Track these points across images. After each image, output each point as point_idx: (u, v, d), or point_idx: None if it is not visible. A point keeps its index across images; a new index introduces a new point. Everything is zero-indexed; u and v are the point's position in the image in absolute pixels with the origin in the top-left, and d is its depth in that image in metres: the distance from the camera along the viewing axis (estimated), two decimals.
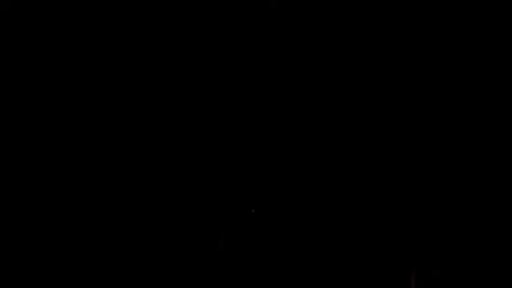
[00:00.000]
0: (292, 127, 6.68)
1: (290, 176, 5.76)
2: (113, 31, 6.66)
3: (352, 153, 6.26)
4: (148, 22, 6.70)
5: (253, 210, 4.83)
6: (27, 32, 6.45)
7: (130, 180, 5.65)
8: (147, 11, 6.68)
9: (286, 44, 6.75)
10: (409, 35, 6.38)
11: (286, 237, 5.72)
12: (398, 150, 6.22)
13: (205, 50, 6.71)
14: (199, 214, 5.35)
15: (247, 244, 5.24)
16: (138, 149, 5.67)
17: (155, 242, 5.28)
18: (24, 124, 6.37)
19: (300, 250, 4.66)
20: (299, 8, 6.64)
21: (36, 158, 6.03)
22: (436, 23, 6.30)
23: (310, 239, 4.76)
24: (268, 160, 5.85)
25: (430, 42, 6.34)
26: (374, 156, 6.15)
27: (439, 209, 6.12)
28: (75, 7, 6.49)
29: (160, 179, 5.52)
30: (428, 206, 6.16)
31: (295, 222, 5.47)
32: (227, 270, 5.12)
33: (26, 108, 6.42)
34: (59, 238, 5.42)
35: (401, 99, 6.58)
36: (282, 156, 6.04)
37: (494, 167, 6.22)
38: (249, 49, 6.73)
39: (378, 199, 5.90)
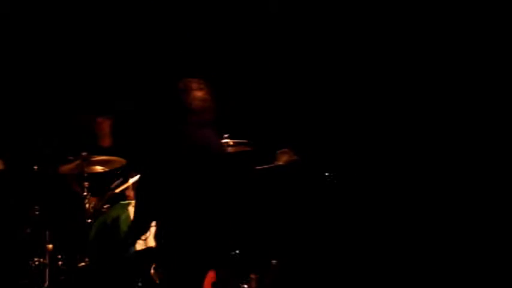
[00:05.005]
0: (290, 125, 6.63)
1: None
2: (111, 31, 6.62)
3: None
4: (149, 22, 6.65)
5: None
6: (27, 32, 6.41)
7: None
8: (148, 11, 6.63)
9: (286, 44, 6.70)
10: (409, 35, 6.32)
11: None
12: None
13: (206, 49, 6.67)
14: None
15: None
16: None
17: None
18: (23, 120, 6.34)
19: None
20: (299, 8, 6.58)
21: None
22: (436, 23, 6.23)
23: None
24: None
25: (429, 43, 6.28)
26: None
27: None
28: (76, 7, 6.45)
29: None
30: None
31: None
32: None
33: (24, 106, 6.39)
34: None
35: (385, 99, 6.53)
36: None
37: None
38: (249, 49, 6.68)
39: None
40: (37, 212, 5.77)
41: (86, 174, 5.67)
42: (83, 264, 5.46)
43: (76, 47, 6.61)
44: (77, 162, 5.68)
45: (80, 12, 6.54)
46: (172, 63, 6.62)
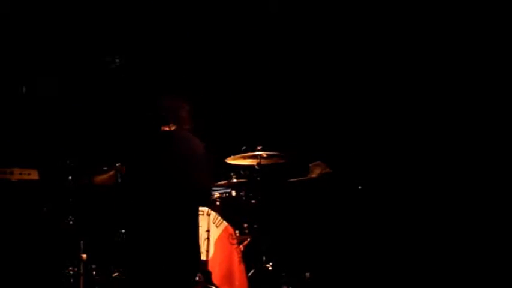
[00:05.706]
0: (290, 125, 6.64)
1: None
2: (112, 30, 6.65)
3: None
4: (149, 22, 6.68)
5: None
6: (27, 32, 6.46)
7: None
8: (149, 11, 6.67)
9: (286, 44, 6.72)
10: (409, 35, 6.30)
11: None
12: None
13: (206, 49, 6.70)
14: None
15: None
16: None
17: None
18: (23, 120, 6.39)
19: None
20: (299, 8, 6.60)
21: None
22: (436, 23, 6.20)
23: None
24: None
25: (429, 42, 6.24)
26: None
27: None
28: (77, 7, 6.49)
29: None
30: None
31: None
32: None
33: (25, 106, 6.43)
34: None
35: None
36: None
37: None
38: (249, 49, 6.70)
39: None
40: (71, 222, 5.80)
41: None
42: (116, 274, 5.50)
43: (77, 48, 6.63)
44: (111, 173, 5.70)
45: (82, 12, 6.57)
46: (172, 63, 6.66)
